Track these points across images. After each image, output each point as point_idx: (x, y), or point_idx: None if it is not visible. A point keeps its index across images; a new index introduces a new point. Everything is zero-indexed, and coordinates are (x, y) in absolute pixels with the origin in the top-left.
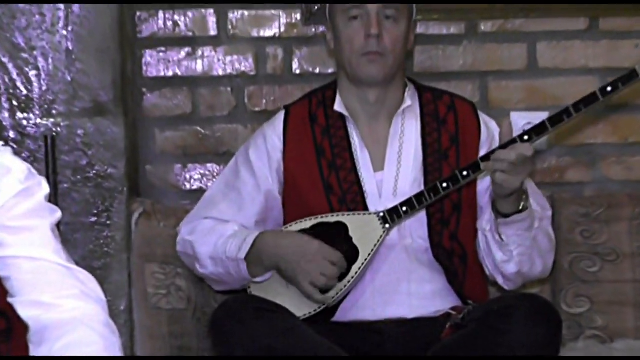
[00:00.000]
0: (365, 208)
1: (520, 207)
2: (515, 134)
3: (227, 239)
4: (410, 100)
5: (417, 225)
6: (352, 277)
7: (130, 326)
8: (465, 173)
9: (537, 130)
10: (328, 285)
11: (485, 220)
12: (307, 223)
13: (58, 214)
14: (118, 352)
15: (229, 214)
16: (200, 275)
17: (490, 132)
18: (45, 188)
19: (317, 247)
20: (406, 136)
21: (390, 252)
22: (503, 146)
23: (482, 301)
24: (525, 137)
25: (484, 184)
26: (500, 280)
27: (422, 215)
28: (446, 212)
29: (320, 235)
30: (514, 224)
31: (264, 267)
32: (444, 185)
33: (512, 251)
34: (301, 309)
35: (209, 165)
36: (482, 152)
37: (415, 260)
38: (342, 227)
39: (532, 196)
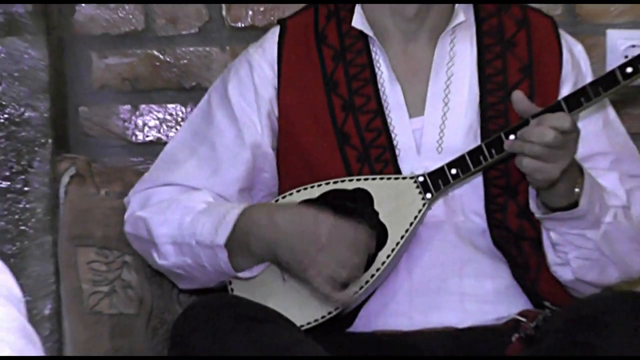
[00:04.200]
0: (397, 170)
1: (575, 200)
2: (610, 63)
3: (197, 215)
4: (464, 14)
5: (471, 196)
6: (378, 270)
7: (58, 338)
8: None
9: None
10: (350, 279)
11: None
12: (313, 191)
13: None
14: None
15: (199, 179)
16: (158, 268)
17: (574, 60)
18: None
19: (332, 225)
20: (457, 65)
21: (434, 235)
22: (539, 114)
23: (564, 303)
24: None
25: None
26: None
27: (478, 182)
28: (513, 177)
29: (333, 209)
30: (563, 221)
31: (253, 257)
32: (512, 137)
33: (566, 254)
34: (304, 314)
35: (170, 106)
36: (563, 91)
37: (471, 247)
38: (363, 197)
39: (603, 178)
